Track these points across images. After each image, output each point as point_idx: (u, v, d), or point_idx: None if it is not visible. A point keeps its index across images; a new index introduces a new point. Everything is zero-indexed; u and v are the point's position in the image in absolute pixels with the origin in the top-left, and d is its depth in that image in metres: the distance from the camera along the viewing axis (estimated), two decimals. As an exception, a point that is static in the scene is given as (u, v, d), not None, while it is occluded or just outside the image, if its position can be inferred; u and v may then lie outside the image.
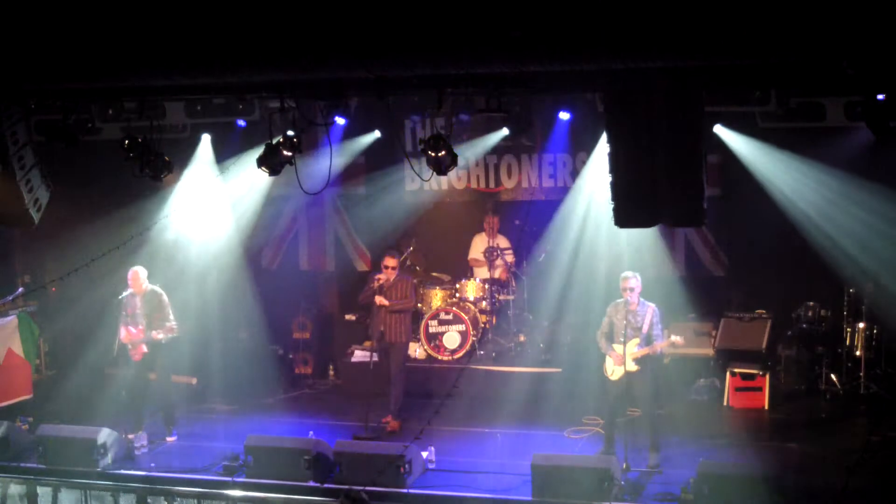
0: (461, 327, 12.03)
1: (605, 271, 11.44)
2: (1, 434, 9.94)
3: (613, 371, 9.40)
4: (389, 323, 10.61)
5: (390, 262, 10.61)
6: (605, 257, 11.71)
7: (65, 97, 9.45)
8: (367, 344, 11.55)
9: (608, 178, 8.37)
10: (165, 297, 10.44)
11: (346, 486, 8.51)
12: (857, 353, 11.33)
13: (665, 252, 12.11)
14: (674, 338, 9.35)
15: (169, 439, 10.42)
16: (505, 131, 11.41)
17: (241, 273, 12.73)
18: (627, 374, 9.27)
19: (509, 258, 12.61)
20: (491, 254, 12.47)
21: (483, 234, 12.84)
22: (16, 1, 7.37)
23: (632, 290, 9.28)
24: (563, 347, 12.24)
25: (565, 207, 12.30)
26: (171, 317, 10.38)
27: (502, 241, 12.72)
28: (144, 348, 10.29)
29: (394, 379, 10.69)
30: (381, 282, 10.57)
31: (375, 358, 10.62)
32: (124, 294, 10.38)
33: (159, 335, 10.24)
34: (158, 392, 10.57)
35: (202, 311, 12.17)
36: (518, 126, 10.80)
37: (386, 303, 10.51)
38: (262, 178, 10.72)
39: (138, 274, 10.34)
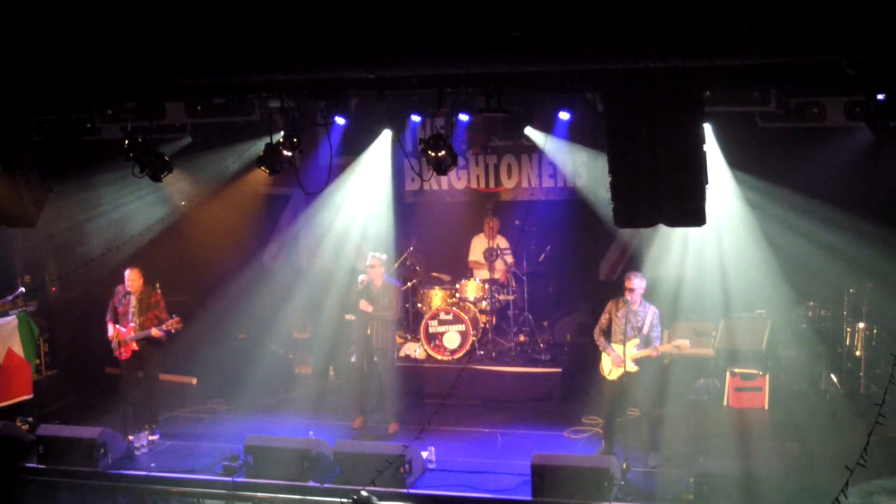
0: (461, 327, 12.01)
1: (607, 271, 11.45)
2: (1, 434, 9.94)
3: (611, 371, 9.39)
4: (376, 327, 10.57)
5: (374, 261, 10.57)
6: (606, 257, 11.72)
7: (65, 97, 9.45)
8: (350, 350, 11.54)
9: (608, 178, 8.37)
10: (160, 294, 10.47)
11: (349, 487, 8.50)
12: (857, 353, 11.31)
13: (665, 252, 12.08)
14: (678, 341, 9.34)
15: (152, 438, 10.41)
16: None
17: (241, 273, 12.73)
18: (626, 374, 9.27)
19: (509, 258, 12.60)
20: (491, 255, 12.47)
21: (482, 235, 12.84)
22: (17, 3, 7.36)
23: (633, 289, 9.28)
24: (563, 347, 12.24)
25: (566, 207, 12.28)
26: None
27: (502, 242, 12.70)
28: (135, 346, 10.31)
29: (386, 383, 10.67)
30: (364, 283, 10.53)
31: (354, 360, 10.58)
32: (119, 290, 10.43)
33: (160, 331, 10.24)
34: (146, 390, 10.57)
35: (203, 311, 12.17)
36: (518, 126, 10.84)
37: (369, 309, 10.47)
38: (264, 178, 10.74)
39: (138, 274, 10.36)
